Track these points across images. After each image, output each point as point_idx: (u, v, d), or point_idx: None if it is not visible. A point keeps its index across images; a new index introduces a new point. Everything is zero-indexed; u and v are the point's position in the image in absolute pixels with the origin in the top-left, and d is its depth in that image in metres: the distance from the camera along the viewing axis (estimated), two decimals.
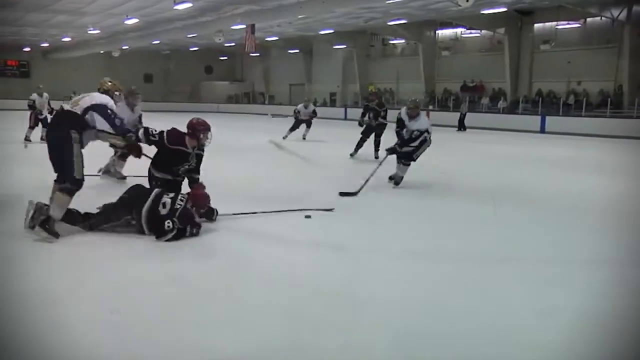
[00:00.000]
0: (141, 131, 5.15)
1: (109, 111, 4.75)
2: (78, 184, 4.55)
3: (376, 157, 7.23)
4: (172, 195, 4.74)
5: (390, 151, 7.31)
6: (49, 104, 12.34)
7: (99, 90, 5.06)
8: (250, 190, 6.94)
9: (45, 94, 12.32)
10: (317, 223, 5.29)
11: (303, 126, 14.36)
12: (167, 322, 3.02)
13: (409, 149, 7.21)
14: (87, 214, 4.72)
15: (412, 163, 7.35)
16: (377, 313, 3.24)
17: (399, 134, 7.34)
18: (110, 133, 4.82)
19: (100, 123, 4.73)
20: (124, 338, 2.82)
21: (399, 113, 7.45)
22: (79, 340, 2.77)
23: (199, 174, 5.36)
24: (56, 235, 4.43)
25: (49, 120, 11.41)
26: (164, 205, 4.60)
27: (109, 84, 5.18)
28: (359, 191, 6.58)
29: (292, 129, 14.34)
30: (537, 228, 5.51)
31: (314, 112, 14.52)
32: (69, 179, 4.52)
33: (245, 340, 2.83)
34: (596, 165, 11.43)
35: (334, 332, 2.96)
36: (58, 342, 2.77)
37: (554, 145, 15.79)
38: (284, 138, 14.20)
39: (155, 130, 5.20)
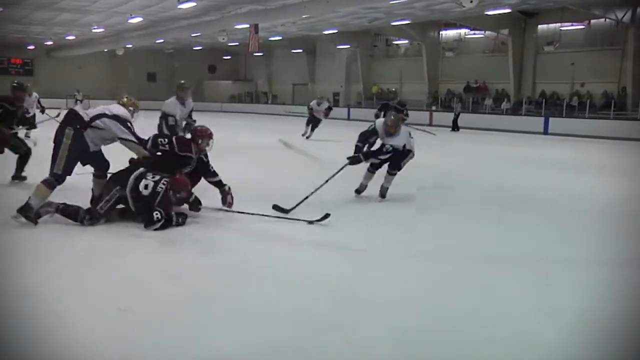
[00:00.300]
0: (150, 142, 5.43)
1: (128, 124, 5.15)
2: (56, 177, 4.83)
3: None
4: (156, 178, 4.88)
5: (353, 161, 6.26)
6: (38, 102, 12.47)
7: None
8: (253, 189, 6.94)
9: (34, 94, 12.46)
10: (318, 223, 5.29)
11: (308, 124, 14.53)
12: (167, 322, 3.03)
13: (375, 161, 6.47)
14: (89, 208, 4.92)
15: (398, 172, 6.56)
16: (377, 313, 3.24)
17: (357, 147, 6.42)
18: (131, 141, 5.15)
19: (123, 132, 5.09)
20: (123, 337, 2.83)
21: (374, 123, 6.57)
22: (78, 340, 2.78)
23: (216, 176, 5.62)
24: (35, 222, 4.68)
25: (36, 119, 11.77)
26: (146, 187, 4.78)
27: (125, 99, 5.42)
28: (292, 209, 5.56)
29: (309, 124, 14.55)
30: (537, 228, 5.51)
31: (329, 109, 14.63)
32: (50, 171, 4.84)
33: (245, 340, 2.84)
34: (598, 166, 11.42)
35: (334, 332, 2.96)
36: (57, 341, 2.77)
37: (557, 147, 15.78)
38: (305, 136, 14.39)
39: (165, 140, 5.49)
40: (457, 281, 3.84)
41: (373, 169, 6.65)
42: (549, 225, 5.66)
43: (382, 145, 6.40)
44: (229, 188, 5.57)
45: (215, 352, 2.72)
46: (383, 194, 6.58)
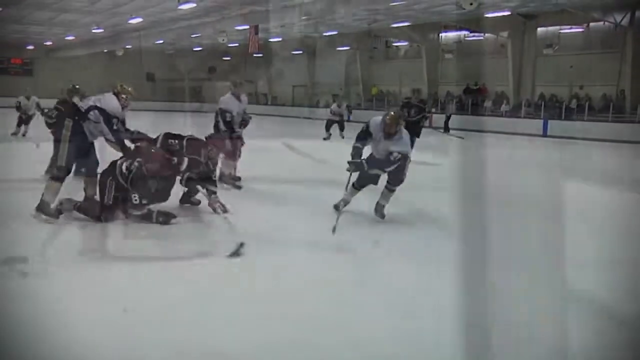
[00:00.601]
0: (160, 141, 5.53)
1: (114, 120, 5.08)
2: (60, 170, 4.90)
3: None
4: (130, 160, 5.09)
5: (357, 167, 5.38)
6: (37, 106, 12.47)
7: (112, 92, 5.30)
8: (254, 190, 6.96)
9: (33, 97, 12.56)
10: (318, 223, 5.28)
11: (335, 126, 14.76)
12: (167, 322, 3.03)
13: (380, 173, 5.49)
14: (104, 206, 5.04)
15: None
16: (377, 313, 3.25)
17: (357, 149, 5.41)
18: (108, 139, 5.15)
19: (102, 127, 5.07)
20: (123, 337, 2.83)
21: (367, 124, 5.48)
22: (78, 340, 2.78)
23: (216, 187, 5.65)
24: (56, 217, 4.82)
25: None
26: (125, 168, 5.01)
27: (119, 86, 5.34)
28: (334, 228, 4.94)
29: (328, 128, 14.72)
30: (536, 229, 5.52)
31: (348, 106, 14.98)
32: (55, 165, 4.97)
33: (245, 340, 2.84)
34: (596, 168, 11.44)
35: (334, 332, 2.97)
36: (58, 342, 2.78)
37: (556, 149, 15.80)
38: (328, 139, 14.55)
39: (175, 141, 5.55)
40: (456, 281, 3.84)
41: (359, 185, 5.66)
42: (549, 226, 5.65)
43: (389, 153, 5.27)
44: (216, 198, 5.56)
45: (215, 352, 2.73)
46: (381, 212, 5.57)
